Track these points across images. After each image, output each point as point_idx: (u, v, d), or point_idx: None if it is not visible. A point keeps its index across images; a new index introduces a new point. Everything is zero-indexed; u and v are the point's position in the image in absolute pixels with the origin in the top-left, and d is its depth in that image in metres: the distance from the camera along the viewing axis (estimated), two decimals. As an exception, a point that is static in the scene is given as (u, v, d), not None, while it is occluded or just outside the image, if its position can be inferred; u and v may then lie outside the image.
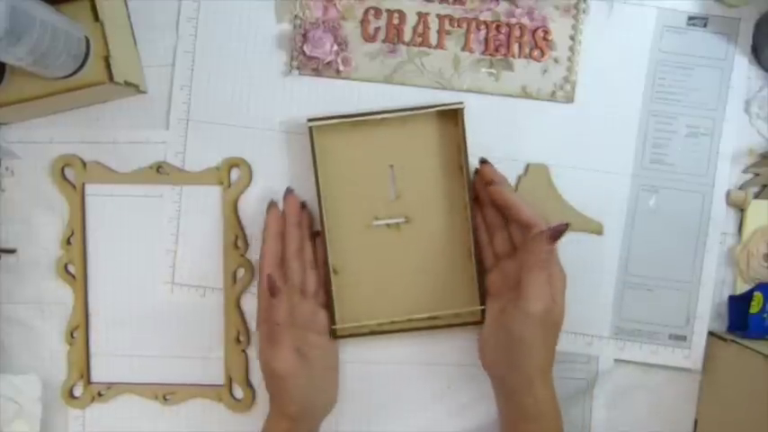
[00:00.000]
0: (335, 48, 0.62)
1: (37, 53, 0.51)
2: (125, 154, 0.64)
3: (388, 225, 0.62)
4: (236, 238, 0.63)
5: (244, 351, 0.64)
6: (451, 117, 0.61)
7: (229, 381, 0.64)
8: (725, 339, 0.62)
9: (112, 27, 0.58)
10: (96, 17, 0.57)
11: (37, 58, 0.51)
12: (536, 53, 0.63)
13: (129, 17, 0.62)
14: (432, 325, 0.62)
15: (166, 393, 0.64)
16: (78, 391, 0.65)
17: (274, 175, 0.63)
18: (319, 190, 0.60)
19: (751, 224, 0.63)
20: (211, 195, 0.63)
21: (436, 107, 0.60)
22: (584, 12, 0.62)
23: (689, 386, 0.64)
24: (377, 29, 0.62)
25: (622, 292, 0.64)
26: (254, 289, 0.64)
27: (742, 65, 0.63)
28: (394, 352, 0.63)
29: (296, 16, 0.62)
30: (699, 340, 0.64)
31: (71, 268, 0.64)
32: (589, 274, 0.64)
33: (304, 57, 0.62)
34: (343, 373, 0.64)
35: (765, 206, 0.63)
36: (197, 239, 0.64)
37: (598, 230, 0.63)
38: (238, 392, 0.64)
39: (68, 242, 0.64)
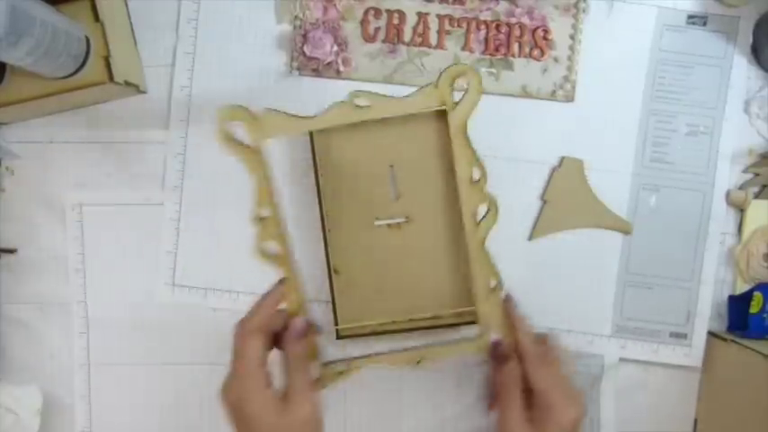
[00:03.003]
0: (335, 48, 0.62)
1: (37, 53, 0.51)
2: (125, 154, 0.64)
3: (388, 225, 0.62)
4: (472, 168, 0.54)
5: None
6: (452, 117, 0.61)
7: None
8: (725, 339, 0.62)
9: (113, 27, 0.58)
10: (96, 17, 0.57)
11: (37, 58, 0.51)
12: (536, 53, 0.63)
13: (129, 17, 0.62)
14: (433, 324, 0.62)
15: None
16: None
17: (275, 175, 0.63)
18: (320, 190, 0.60)
19: (751, 224, 0.63)
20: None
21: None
22: (583, 11, 0.62)
23: (689, 385, 0.64)
24: (377, 29, 0.62)
25: (623, 291, 0.64)
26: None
27: (741, 63, 0.63)
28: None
29: (296, 17, 0.62)
30: (699, 338, 0.64)
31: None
32: (590, 273, 0.64)
33: (304, 57, 0.62)
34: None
35: (765, 206, 0.63)
36: (197, 241, 0.64)
37: (626, 230, 0.64)
38: None
39: (259, 217, 0.55)
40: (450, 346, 0.60)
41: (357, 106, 0.54)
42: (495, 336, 0.58)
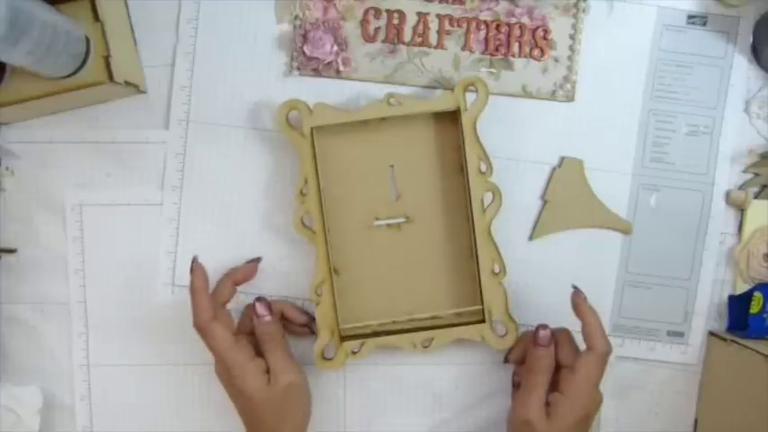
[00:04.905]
0: (335, 48, 0.62)
1: (37, 53, 0.51)
2: (125, 154, 0.64)
3: (388, 225, 0.62)
4: (480, 161, 0.60)
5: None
6: (451, 117, 0.61)
7: None
8: (725, 339, 0.62)
9: (113, 27, 0.58)
10: (96, 17, 0.56)
11: (37, 58, 0.51)
12: (536, 52, 0.63)
13: (129, 17, 0.62)
14: (433, 325, 0.62)
15: None
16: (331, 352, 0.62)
17: (275, 175, 0.63)
18: (320, 190, 0.60)
19: (751, 224, 0.63)
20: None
21: (435, 108, 0.60)
22: (583, 11, 0.62)
23: (689, 386, 0.64)
24: (377, 29, 0.62)
25: (622, 290, 0.64)
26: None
27: (741, 63, 0.63)
28: (397, 352, 0.63)
29: (296, 17, 0.62)
30: (696, 336, 0.64)
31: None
32: (590, 273, 0.64)
33: (304, 57, 0.62)
34: (349, 373, 0.65)
35: (765, 206, 0.63)
36: (197, 241, 0.64)
37: (626, 230, 0.64)
38: None
39: (302, 193, 0.60)
40: (456, 330, 0.61)
41: (390, 104, 0.60)
42: (496, 319, 0.61)
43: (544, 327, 0.57)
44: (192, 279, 0.59)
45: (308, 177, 0.60)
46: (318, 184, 0.60)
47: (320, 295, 0.60)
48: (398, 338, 0.61)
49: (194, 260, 0.59)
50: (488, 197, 0.60)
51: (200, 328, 0.57)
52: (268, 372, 0.57)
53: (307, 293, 0.62)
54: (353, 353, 0.61)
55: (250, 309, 0.60)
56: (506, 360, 0.63)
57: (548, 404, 0.56)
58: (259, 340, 0.59)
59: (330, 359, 0.61)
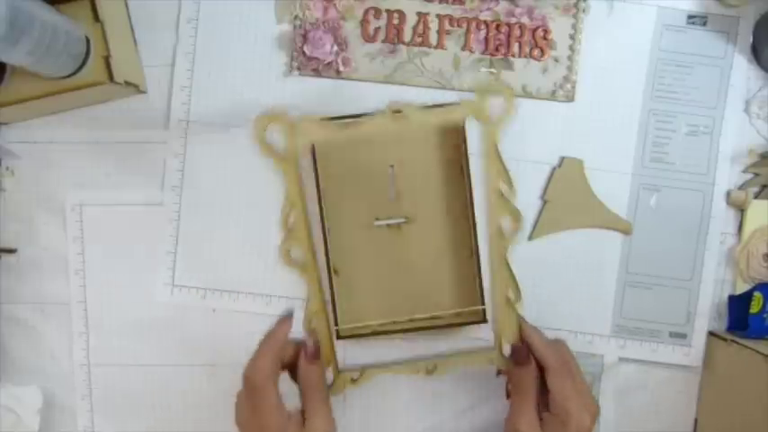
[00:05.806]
0: (335, 48, 0.62)
1: (37, 53, 0.51)
2: (125, 154, 0.64)
3: (388, 225, 0.62)
4: (500, 182, 0.58)
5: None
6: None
7: None
8: (725, 339, 0.62)
9: (113, 27, 0.58)
10: (96, 17, 0.56)
11: (37, 58, 0.51)
12: (536, 52, 0.63)
13: (129, 17, 0.62)
14: (433, 325, 0.62)
15: None
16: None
17: (275, 175, 0.63)
18: (319, 190, 0.60)
19: (751, 224, 0.63)
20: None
21: (438, 107, 0.60)
22: (584, 11, 0.62)
23: (689, 385, 0.64)
24: (377, 29, 0.62)
25: (623, 291, 0.64)
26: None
27: (741, 63, 0.63)
28: (397, 352, 0.63)
29: (296, 17, 0.62)
30: (699, 338, 0.64)
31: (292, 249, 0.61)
32: (590, 273, 0.64)
33: (304, 57, 0.62)
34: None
35: (765, 206, 0.63)
36: (197, 241, 0.64)
37: (626, 230, 0.64)
38: None
39: (286, 224, 0.58)
40: (463, 356, 0.61)
41: (394, 115, 0.57)
42: (506, 343, 0.60)
43: (519, 346, 0.58)
44: (277, 328, 0.57)
45: (294, 204, 0.57)
46: (306, 215, 0.57)
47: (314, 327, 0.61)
48: (400, 367, 0.61)
49: (291, 312, 0.60)
50: (506, 221, 0.59)
51: (257, 384, 0.53)
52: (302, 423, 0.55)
53: (306, 293, 0.62)
54: (353, 380, 0.61)
55: (291, 347, 0.57)
56: (499, 373, 0.63)
57: (542, 419, 0.56)
58: (302, 385, 0.56)
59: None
